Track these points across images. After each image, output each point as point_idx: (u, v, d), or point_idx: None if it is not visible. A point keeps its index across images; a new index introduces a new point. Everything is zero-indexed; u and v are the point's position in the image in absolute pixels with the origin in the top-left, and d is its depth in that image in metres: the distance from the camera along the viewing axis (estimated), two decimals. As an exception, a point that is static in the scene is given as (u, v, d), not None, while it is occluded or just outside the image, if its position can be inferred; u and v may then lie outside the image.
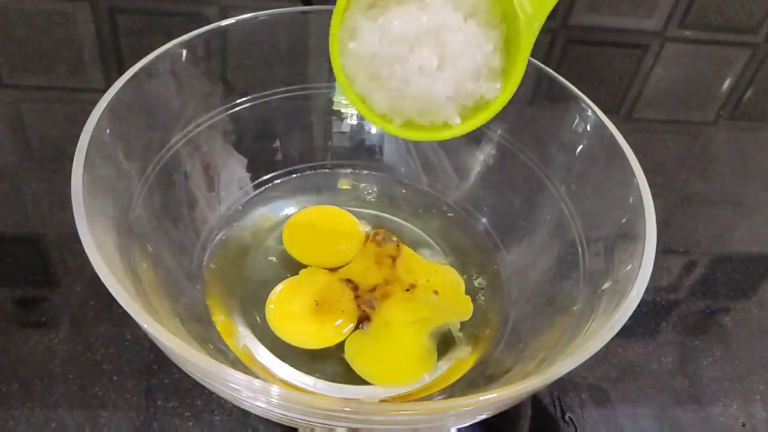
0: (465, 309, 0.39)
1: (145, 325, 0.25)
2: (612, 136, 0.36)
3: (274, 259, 0.41)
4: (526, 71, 0.41)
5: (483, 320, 0.39)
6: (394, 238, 0.42)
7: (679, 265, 0.47)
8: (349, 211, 0.44)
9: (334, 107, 0.46)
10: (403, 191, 0.46)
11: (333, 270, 0.40)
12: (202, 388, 0.29)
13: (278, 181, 0.45)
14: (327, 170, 0.47)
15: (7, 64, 0.54)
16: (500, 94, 0.31)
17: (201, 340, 0.34)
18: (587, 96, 0.38)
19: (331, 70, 0.45)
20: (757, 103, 0.66)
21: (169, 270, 0.36)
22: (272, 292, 0.38)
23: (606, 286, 0.32)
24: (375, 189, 0.46)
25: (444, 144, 0.46)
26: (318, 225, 0.43)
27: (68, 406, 0.34)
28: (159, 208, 0.37)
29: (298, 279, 0.39)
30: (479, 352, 0.37)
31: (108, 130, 0.32)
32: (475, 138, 0.44)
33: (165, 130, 0.38)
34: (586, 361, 0.26)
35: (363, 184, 0.46)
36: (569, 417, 0.37)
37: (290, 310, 0.38)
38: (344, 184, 0.46)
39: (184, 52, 0.38)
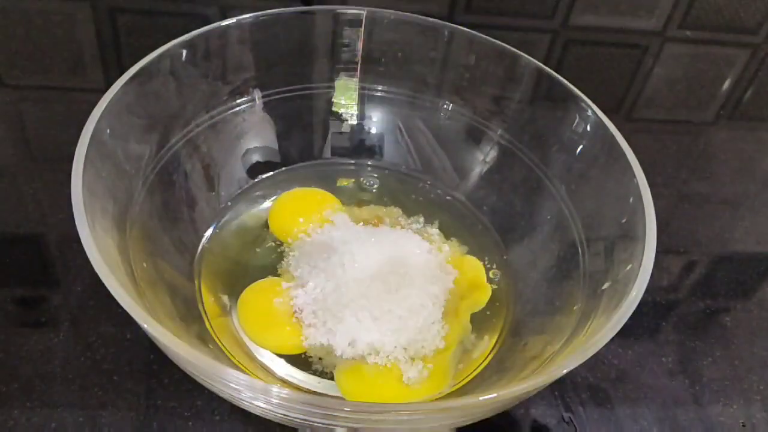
0: (483, 299, 0.39)
1: (145, 325, 0.25)
2: (612, 136, 0.36)
3: (274, 256, 0.41)
4: (527, 72, 0.41)
5: (490, 317, 0.39)
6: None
7: (679, 265, 0.47)
8: (350, 207, 0.44)
9: (334, 108, 0.46)
10: (404, 188, 0.46)
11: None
12: (202, 388, 0.29)
13: (278, 179, 0.45)
14: (326, 170, 0.47)
15: (7, 63, 0.54)
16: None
17: (201, 340, 0.34)
18: (587, 96, 0.38)
19: (331, 70, 0.45)
20: (757, 103, 0.66)
21: (169, 270, 0.36)
22: (249, 286, 0.37)
23: (606, 286, 0.32)
24: (376, 186, 0.46)
25: (444, 144, 0.46)
26: (302, 206, 0.42)
27: (68, 406, 0.34)
28: (159, 208, 0.37)
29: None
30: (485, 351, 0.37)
31: (108, 130, 0.32)
32: (475, 138, 0.44)
33: (165, 130, 0.38)
34: (586, 361, 0.26)
35: (363, 179, 0.46)
36: (569, 417, 0.37)
37: (259, 310, 0.36)
38: (345, 182, 0.46)
39: (184, 52, 0.38)
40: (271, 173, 0.45)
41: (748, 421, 0.38)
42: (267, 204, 0.44)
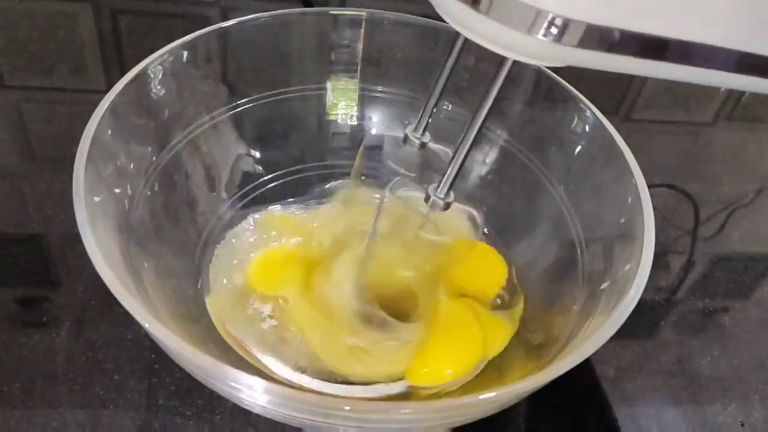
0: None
1: (147, 325, 0.25)
2: (610, 136, 0.36)
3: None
4: (527, 73, 0.41)
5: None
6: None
7: (677, 265, 0.47)
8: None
9: (328, 109, 0.46)
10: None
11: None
12: (204, 387, 0.30)
13: (278, 181, 0.45)
14: (326, 171, 0.47)
15: (9, 64, 0.55)
16: None
17: (202, 339, 0.34)
18: (586, 96, 0.38)
19: (331, 71, 0.45)
20: (755, 104, 0.66)
21: (171, 270, 0.36)
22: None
23: (605, 285, 0.32)
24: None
25: (444, 144, 0.46)
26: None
27: (70, 406, 0.34)
28: (160, 208, 0.37)
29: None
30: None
31: (109, 131, 0.32)
32: (474, 138, 0.44)
33: (166, 130, 0.38)
34: (585, 360, 0.26)
35: (364, 179, 0.46)
36: (568, 416, 0.37)
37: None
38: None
39: (186, 54, 0.38)
40: (272, 174, 0.45)
41: (747, 421, 0.38)
42: (268, 204, 0.44)
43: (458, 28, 0.24)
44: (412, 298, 0.39)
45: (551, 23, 0.21)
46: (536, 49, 0.22)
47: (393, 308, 0.38)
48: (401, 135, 0.37)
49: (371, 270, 0.38)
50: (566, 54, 0.22)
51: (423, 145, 0.36)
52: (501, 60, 0.26)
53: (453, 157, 0.30)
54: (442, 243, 0.40)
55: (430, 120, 0.35)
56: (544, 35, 0.21)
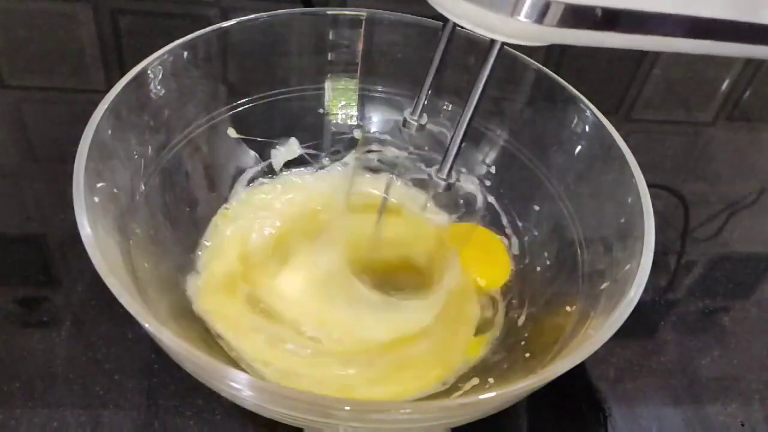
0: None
1: (146, 325, 0.25)
2: (611, 136, 0.36)
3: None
4: (527, 73, 0.41)
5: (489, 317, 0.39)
6: None
7: (677, 265, 0.47)
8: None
9: (328, 109, 0.46)
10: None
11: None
12: (203, 387, 0.30)
13: (280, 181, 0.45)
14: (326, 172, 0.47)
15: (9, 64, 0.55)
16: None
17: (201, 339, 0.34)
18: (586, 97, 0.38)
19: (331, 70, 0.45)
20: (755, 104, 0.66)
21: (170, 270, 0.36)
22: None
23: (605, 285, 0.32)
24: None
25: (444, 145, 0.46)
26: None
27: (70, 406, 0.34)
28: (160, 208, 0.37)
29: None
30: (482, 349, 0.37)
31: (109, 131, 0.32)
32: (474, 138, 0.44)
33: (166, 130, 0.38)
34: (585, 360, 0.26)
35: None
36: (567, 416, 0.37)
37: None
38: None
39: (185, 54, 0.38)
40: (272, 175, 0.45)
41: (747, 421, 0.38)
42: (268, 204, 0.44)
43: (446, 14, 0.26)
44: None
45: (532, 5, 0.22)
46: (520, 31, 0.23)
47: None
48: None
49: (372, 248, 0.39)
50: (549, 33, 0.23)
51: (422, 127, 0.36)
52: (490, 43, 0.27)
53: (452, 138, 0.30)
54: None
55: (426, 102, 0.35)
56: (526, 17, 0.22)
